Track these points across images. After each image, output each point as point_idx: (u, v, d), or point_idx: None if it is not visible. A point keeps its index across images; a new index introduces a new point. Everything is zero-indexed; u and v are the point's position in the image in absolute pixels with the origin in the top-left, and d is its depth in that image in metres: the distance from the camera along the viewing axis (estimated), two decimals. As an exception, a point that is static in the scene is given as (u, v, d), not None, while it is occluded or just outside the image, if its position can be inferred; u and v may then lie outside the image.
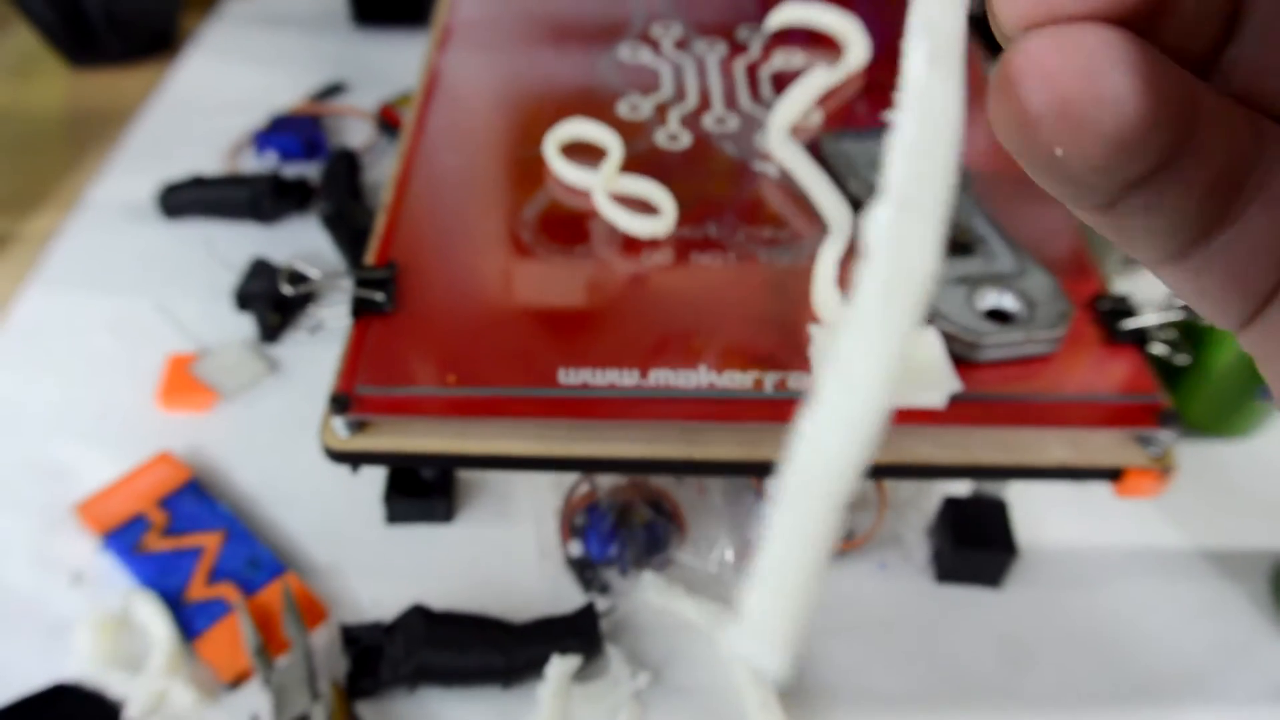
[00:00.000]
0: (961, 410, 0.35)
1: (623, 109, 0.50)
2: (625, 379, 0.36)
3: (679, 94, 0.51)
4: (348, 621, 0.39)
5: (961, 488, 0.44)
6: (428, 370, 0.37)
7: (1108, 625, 0.42)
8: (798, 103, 0.47)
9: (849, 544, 0.43)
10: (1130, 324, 0.38)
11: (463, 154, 0.47)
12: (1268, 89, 0.13)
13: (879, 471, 0.39)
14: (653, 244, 0.42)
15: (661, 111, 0.50)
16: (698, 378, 0.36)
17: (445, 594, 0.40)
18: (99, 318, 0.53)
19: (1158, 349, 0.38)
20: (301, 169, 0.63)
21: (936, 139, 0.12)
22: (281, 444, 0.46)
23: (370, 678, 0.38)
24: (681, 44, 0.55)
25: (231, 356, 0.50)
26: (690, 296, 0.40)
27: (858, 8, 0.52)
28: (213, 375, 0.49)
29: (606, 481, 0.44)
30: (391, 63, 0.72)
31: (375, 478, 0.44)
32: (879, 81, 0.51)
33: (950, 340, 0.36)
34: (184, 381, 0.49)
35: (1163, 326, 0.38)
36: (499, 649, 0.38)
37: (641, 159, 0.46)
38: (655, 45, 0.55)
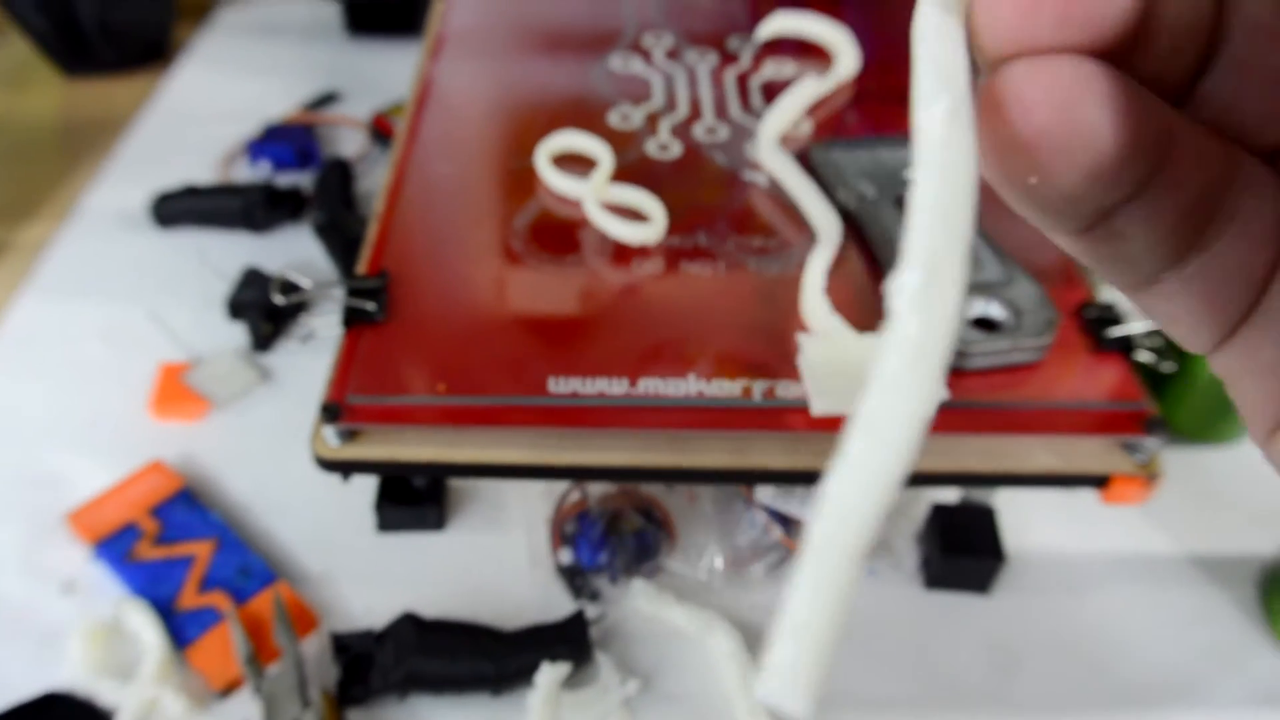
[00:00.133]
0: (949, 418, 0.36)
1: (614, 119, 0.50)
2: (615, 387, 0.36)
3: (670, 104, 0.51)
4: (339, 629, 0.39)
5: (950, 495, 0.44)
6: (419, 379, 0.37)
7: (1095, 631, 0.42)
8: (787, 112, 0.47)
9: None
10: (1116, 332, 0.38)
11: (455, 163, 0.47)
12: (1241, 118, 0.13)
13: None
14: (643, 253, 0.42)
15: (652, 121, 0.50)
16: (687, 386, 0.36)
17: (436, 602, 0.41)
18: (91, 326, 0.53)
19: (1143, 356, 0.38)
20: (294, 178, 0.63)
21: (957, 199, 0.12)
22: (273, 453, 0.46)
23: (361, 685, 0.38)
24: (673, 54, 0.55)
25: (223, 365, 0.51)
26: (680, 305, 0.40)
27: (848, 18, 0.53)
28: (205, 384, 0.50)
29: (597, 489, 0.44)
30: (385, 72, 0.73)
31: (366, 486, 0.44)
32: (869, 91, 0.52)
33: (937, 348, 0.36)
34: (176, 390, 0.49)
35: (1149, 334, 0.38)
36: (489, 656, 0.38)
37: (632, 169, 0.46)
38: (647, 55, 0.55)
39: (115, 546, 0.43)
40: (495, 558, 0.43)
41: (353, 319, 0.39)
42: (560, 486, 0.44)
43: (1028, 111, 0.12)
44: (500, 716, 0.38)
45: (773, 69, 0.54)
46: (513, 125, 0.50)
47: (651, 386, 0.36)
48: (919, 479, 0.37)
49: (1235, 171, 0.13)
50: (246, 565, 0.42)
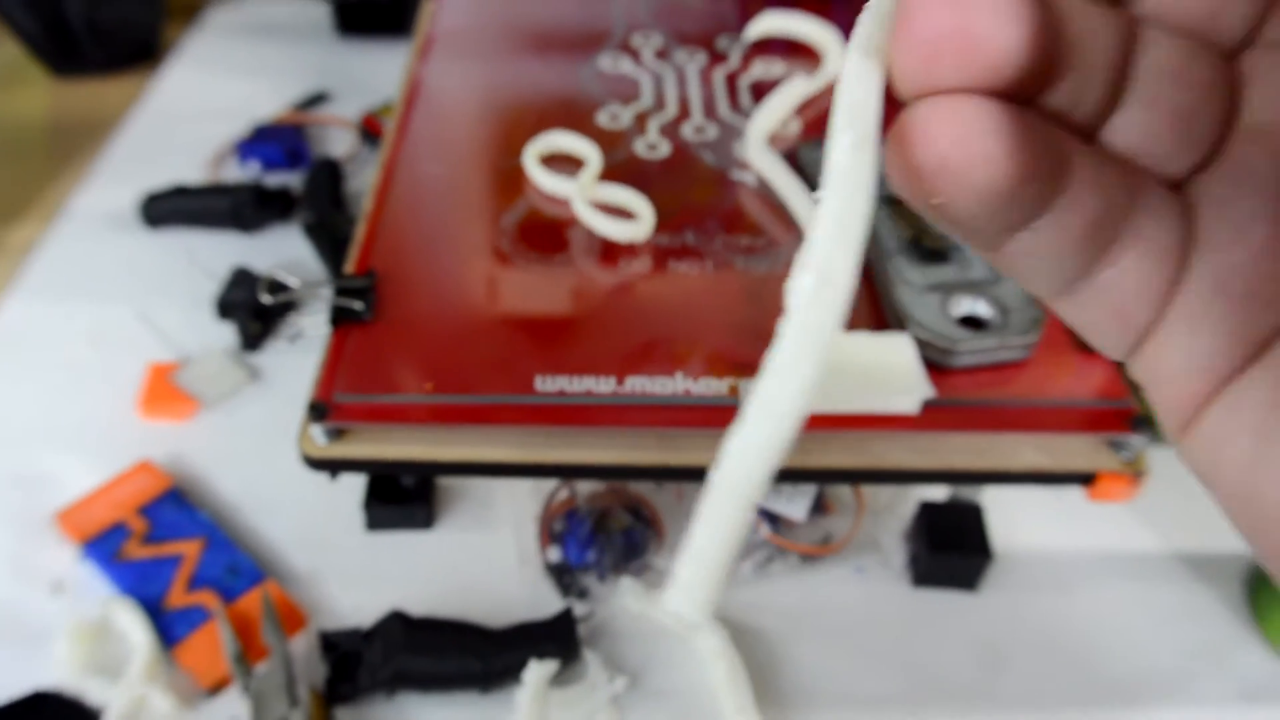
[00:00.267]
0: (935, 416, 0.36)
1: (603, 118, 0.50)
2: (602, 386, 0.36)
3: (659, 103, 0.51)
4: (327, 628, 0.39)
5: (937, 492, 0.45)
6: (406, 378, 0.37)
7: (1082, 628, 0.42)
8: (776, 112, 0.48)
9: (827, 549, 0.43)
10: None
11: (443, 163, 0.47)
12: (1152, 148, 0.15)
13: (855, 476, 0.39)
14: (631, 252, 0.42)
15: (641, 121, 0.50)
16: (674, 384, 0.37)
17: (425, 600, 0.41)
18: (80, 326, 0.53)
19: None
20: (284, 178, 0.63)
21: (853, 217, 0.14)
22: (262, 452, 0.46)
23: (349, 683, 0.38)
24: (662, 54, 0.55)
25: (212, 365, 0.51)
26: (668, 305, 0.40)
27: (836, 18, 0.53)
28: (193, 384, 0.50)
29: (585, 488, 0.44)
30: (374, 72, 0.73)
31: (355, 485, 0.44)
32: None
33: (924, 346, 0.37)
34: (165, 390, 0.49)
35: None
36: (477, 654, 0.38)
37: (621, 168, 0.46)
38: (635, 55, 0.55)
39: (104, 546, 0.42)
40: (483, 556, 0.43)
41: (340, 318, 0.39)
42: (548, 485, 0.44)
43: (930, 142, 0.13)
44: (488, 714, 0.38)
45: (761, 69, 0.54)
46: (501, 125, 0.50)
47: (639, 385, 0.36)
48: (906, 476, 0.37)
49: (1136, 195, 0.14)
50: (235, 564, 0.42)
